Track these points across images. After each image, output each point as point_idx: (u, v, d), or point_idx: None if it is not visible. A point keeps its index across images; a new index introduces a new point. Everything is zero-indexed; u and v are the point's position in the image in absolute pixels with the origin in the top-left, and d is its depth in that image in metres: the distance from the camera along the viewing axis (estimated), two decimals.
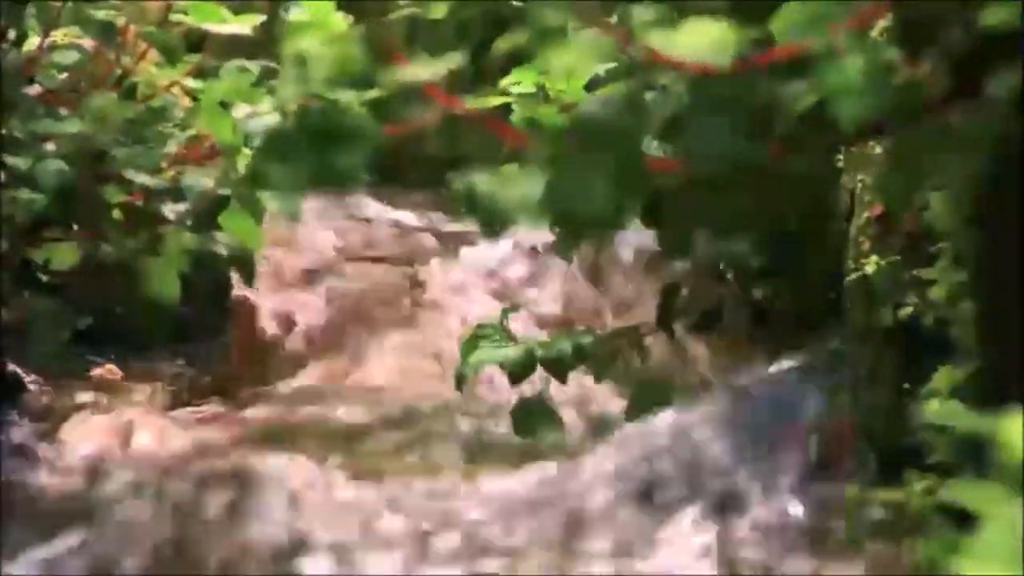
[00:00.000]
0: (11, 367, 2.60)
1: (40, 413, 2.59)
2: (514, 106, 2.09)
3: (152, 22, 2.34)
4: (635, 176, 1.55)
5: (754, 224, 1.70)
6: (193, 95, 2.40)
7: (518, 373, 2.33)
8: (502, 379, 2.34)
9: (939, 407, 1.86)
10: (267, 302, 3.22)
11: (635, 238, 3.23)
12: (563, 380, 2.37)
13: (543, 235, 3.21)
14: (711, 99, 1.56)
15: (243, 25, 2.34)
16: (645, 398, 2.40)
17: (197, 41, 2.44)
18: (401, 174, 3.49)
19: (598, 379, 2.37)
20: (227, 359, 3.09)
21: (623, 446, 2.33)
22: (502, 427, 2.47)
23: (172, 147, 2.36)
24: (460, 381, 2.39)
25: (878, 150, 2.08)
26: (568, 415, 2.39)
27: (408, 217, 3.72)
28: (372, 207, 3.68)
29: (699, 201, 1.64)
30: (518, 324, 2.52)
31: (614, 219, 1.55)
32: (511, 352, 2.32)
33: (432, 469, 2.48)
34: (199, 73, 2.40)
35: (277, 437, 2.65)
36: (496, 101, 1.95)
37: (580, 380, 2.37)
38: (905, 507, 1.90)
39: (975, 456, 1.79)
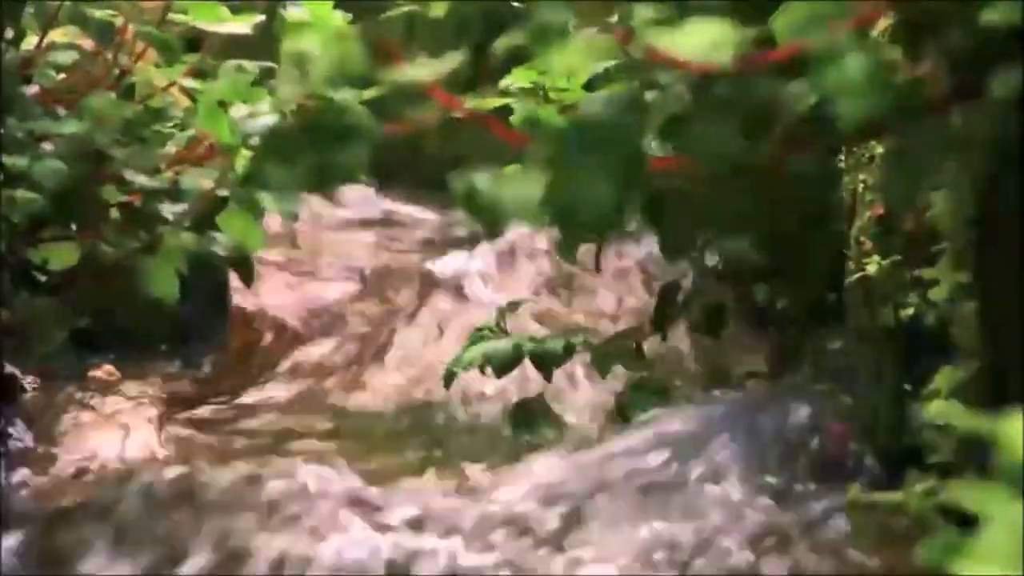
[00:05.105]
0: (8, 368, 2.60)
1: (37, 414, 2.59)
2: (514, 106, 2.10)
3: (150, 21, 2.34)
4: (636, 176, 1.55)
5: (754, 224, 1.70)
6: (192, 95, 2.40)
7: (503, 366, 2.34)
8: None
9: (940, 407, 1.86)
10: (268, 303, 3.22)
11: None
12: (549, 377, 2.38)
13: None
14: (712, 99, 1.56)
15: (242, 24, 2.34)
16: (638, 399, 2.41)
17: (195, 40, 2.43)
18: (402, 173, 3.49)
19: (603, 375, 2.38)
20: (226, 361, 3.09)
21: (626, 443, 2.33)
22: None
23: (171, 147, 2.36)
24: (449, 379, 2.40)
25: (880, 150, 2.08)
26: None
27: (412, 215, 3.72)
28: (375, 204, 3.68)
29: (700, 201, 1.64)
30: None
31: (615, 219, 1.55)
32: (498, 346, 2.34)
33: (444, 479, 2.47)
34: (197, 73, 2.39)
35: (278, 439, 2.65)
36: (496, 101, 1.95)
37: None
38: (905, 508, 1.90)
39: (976, 457, 1.79)
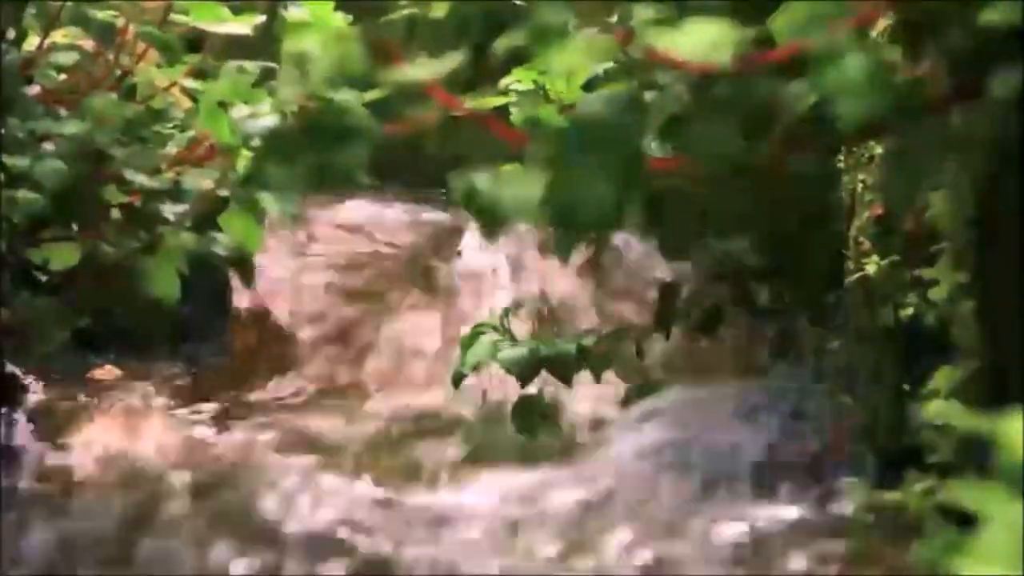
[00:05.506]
0: (10, 368, 2.61)
1: (39, 414, 2.59)
2: (514, 106, 2.10)
3: (152, 22, 2.35)
4: (635, 176, 1.55)
5: (754, 224, 1.71)
6: (192, 96, 2.40)
7: (525, 374, 2.34)
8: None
9: (939, 407, 1.87)
10: (269, 301, 3.22)
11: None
12: (568, 382, 2.37)
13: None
14: (712, 99, 1.56)
15: (242, 25, 2.34)
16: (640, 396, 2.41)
17: (196, 41, 2.44)
18: (402, 173, 3.49)
19: (597, 378, 2.38)
20: (227, 360, 3.09)
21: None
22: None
23: (171, 148, 2.36)
24: (457, 380, 2.40)
25: (879, 150, 2.08)
26: None
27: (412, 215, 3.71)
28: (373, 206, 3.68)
29: (700, 201, 1.64)
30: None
31: (614, 219, 1.55)
32: (516, 353, 2.33)
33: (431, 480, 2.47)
34: (198, 73, 2.40)
35: (280, 438, 2.65)
36: (496, 101, 1.95)
37: None
38: (905, 507, 1.90)
39: (975, 456, 1.80)
